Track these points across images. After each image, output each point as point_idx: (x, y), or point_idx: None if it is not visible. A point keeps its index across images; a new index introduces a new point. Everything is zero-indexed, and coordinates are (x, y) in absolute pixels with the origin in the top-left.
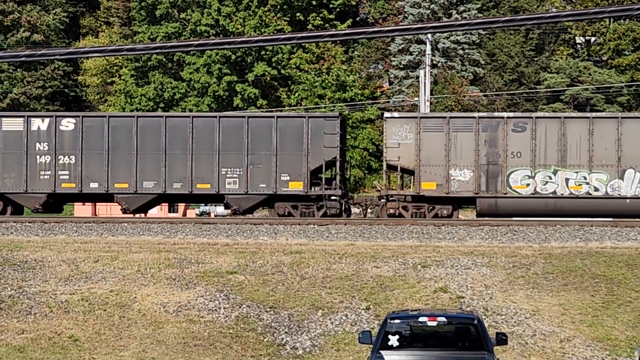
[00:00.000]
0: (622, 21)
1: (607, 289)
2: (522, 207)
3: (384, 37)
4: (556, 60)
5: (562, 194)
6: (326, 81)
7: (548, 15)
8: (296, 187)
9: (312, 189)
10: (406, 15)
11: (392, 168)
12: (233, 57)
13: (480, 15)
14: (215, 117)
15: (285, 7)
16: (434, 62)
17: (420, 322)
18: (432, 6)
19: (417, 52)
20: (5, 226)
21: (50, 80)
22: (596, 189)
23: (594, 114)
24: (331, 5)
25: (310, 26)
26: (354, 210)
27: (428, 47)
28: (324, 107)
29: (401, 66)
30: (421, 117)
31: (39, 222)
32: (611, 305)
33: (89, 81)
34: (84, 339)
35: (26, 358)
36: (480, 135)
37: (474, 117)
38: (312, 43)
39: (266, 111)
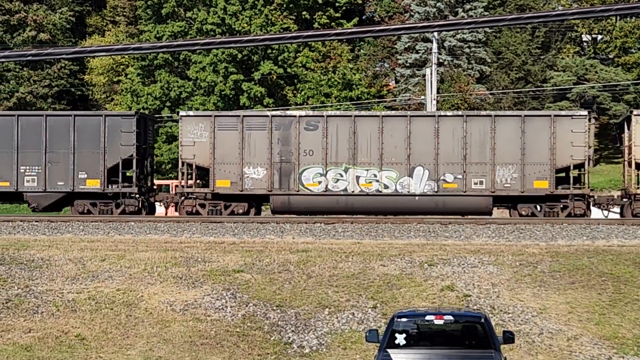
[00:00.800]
0: (628, 19)
1: (614, 287)
2: (315, 204)
3: (390, 35)
4: (562, 59)
5: (352, 192)
6: (332, 80)
7: (554, 13)
8: (94, 184)
9: (110, 186)
10: (412, 13)
11: (189, 166)
12: (239, 55)
13: (486, 13)
14: (14, 115)
15: (291, 5)
16: (440, 60)
17: (427, 321)
18: (438, 4)
19: (424, 51)
20: (12, 225)
21: (56, 79)
22: (386, 187)
23: (384, 112)
24: (337, 4)
25: (316, 25)
26: (159, 208)
27: (434, 45)
28: (330, 106)
29: (407, 64)
30: (216, 116)
31: (45, 221)
32: (618, 304)
33: (95, 80)
34: (91, 337)
35: (33, 357)
36: (274, 133)
37: (267, 116)
38: (318, 42)
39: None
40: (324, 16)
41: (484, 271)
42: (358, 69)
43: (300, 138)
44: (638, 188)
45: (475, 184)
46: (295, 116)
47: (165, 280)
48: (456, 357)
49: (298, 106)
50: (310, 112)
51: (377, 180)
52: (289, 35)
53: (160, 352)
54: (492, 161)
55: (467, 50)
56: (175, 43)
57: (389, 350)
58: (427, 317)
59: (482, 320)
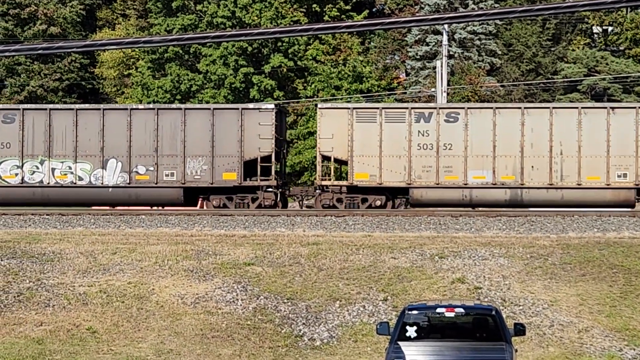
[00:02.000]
0: (639, 11)
1: (625, 279)
2: (12, 196)
3: (401, 27)
4: (573, 50)
5: (48, 183)
6: (342, 72)
7: (565, 5)
8: None
9: None
10: (422, 5)
11: None
12: (249, 48)
13: (496, 5)
14: None
15: None
16: (451, 52)
17: (438, 313)
18: None
19: (434, 43)
20: (23, 218)
21: (67, 72)
22: (80, 179)
23: (78, 106)
24: None
25: (326, 17)
26: None
27: (445, 38)
28: (341, 98)
29: (418, 57)
30: None
31: (56, 214)
32: (629, 296)
33: (106, 73)
34: (102, 330)
35: (44, 350)
36: None
37: None
38: (328, 34)
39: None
40: (334, 9)
41: (494, 263)
42: (368, 62)
43: None
44: (323, 179)
45: (167, 175)
46: None
47: (176, 273)
48: (467, 349)
49: (308, 99)
50: (7, 106)
51: (72, 172)
52: (299, 28)
53: (171, 345)
54: (182, 153)
55: (478, 42)
56: (186, 36)
57: (400, 342)
58: (438, 310)
59: (493, 312)
